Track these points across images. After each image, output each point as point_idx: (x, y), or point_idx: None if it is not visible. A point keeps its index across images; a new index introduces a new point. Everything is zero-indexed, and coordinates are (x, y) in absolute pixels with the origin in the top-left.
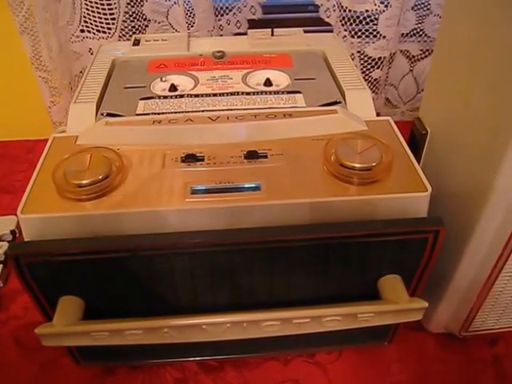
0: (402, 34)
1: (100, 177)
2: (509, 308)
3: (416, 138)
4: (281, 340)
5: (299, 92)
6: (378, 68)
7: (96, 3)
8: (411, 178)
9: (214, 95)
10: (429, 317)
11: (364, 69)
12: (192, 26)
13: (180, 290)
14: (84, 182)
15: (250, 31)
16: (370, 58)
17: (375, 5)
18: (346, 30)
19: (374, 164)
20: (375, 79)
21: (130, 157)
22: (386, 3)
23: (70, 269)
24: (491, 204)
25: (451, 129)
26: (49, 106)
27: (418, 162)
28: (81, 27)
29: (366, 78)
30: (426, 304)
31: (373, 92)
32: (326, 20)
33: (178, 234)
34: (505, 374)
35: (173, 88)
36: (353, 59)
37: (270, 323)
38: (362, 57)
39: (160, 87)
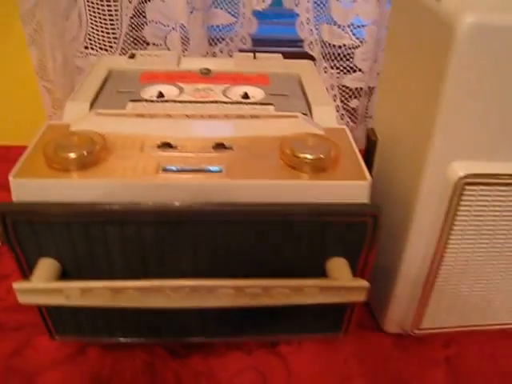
0: None
1: (84, 152)
2: (455, 306)
3: (370, 145)
4: (243, 326)
5: (271, 104)
6: (355, 98)
7: (101, 23)
8: (355, 170)
9: (195, 102)
10: (383, 316)
11: (343, 98)
12: (186, 51)
13: (146, 257)
14: (70, 154)
15: (235, 54)
16: (348, 88)
17: (351, 40)
18: (326, 62)
19: (322, 156)
20: (353, 108)
21: (114, 141)
22: (361, 39)
23: (50, 231)
24: (421, 204)
25: (394, 136)
26: (50, 115)
27: (372, 165)
28: (85, 44)
29: (345, 107)
30: (367, 284)
31: (352, 121)
32: (310, 53)
33: (135, 204)
34: (455, 373)
35: (160, 94)
36: (332, 89)
37: (225, 291)
38: (341, 87)
39: (148, 93)
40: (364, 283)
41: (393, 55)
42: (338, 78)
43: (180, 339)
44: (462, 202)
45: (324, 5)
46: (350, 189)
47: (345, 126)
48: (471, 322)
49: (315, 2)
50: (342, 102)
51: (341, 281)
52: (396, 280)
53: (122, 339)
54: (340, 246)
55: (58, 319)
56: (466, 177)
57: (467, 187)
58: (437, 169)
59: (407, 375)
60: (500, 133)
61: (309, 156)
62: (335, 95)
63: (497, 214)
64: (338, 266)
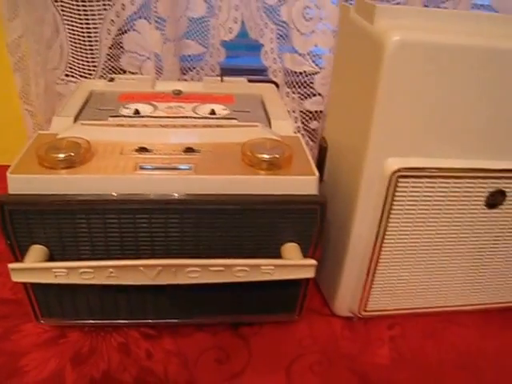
0: None
1: (71, 153)
2: (397, 289)
3: (321, 151)
4: (209, 308)
5: (235, 118)
6: (315, 120)
7: (81, 53)
8: (305, 168)
9: (168, 117)
10: (334, 300)
11: (303, 120)
12: (160, 78)
13: (124, 241)
14: (59, 155)
15: (204, 78)
16: (308, 110)
17: (311, 67)
18: (289, 88)
19: (277, 156)
20: (313, 129)
21: (97, 146)
22: (320, 66)
23: (40, 220)
24: (363, 196)
25: (340, 142)
26: (32, 137)
27: (324, 169)
28: (66, 72)
29: (305, 128)
30: (315, 262)
31: (311, 141)
32: (274, 80)
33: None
34: (398, 351)
35: (136, 111)
36: (294, 112)
37: (192, 269)
38: (302, 110)
39: (126, 111)
40: (312, 261)
41: (339, 72)
42: (299, 102)
43: (152, 321)
44: (397, 193)
45: (286, 35)
46: (300, 182)
47: (299, 135)
48: (413, 305)
49: (278, 33)
50: (302, 123)
51: (292, 260)
52: (343, 266)
53: (100, 321)
54: (293, 231)
55: (43, 303)
56: (398, 170)
57: (400, 180)
58: (374, 164)
59: (355, 352)
60: (426, 133)
61: (266, 156)
62: (297, 117)
63: (428, 204)
64: (291, 249)
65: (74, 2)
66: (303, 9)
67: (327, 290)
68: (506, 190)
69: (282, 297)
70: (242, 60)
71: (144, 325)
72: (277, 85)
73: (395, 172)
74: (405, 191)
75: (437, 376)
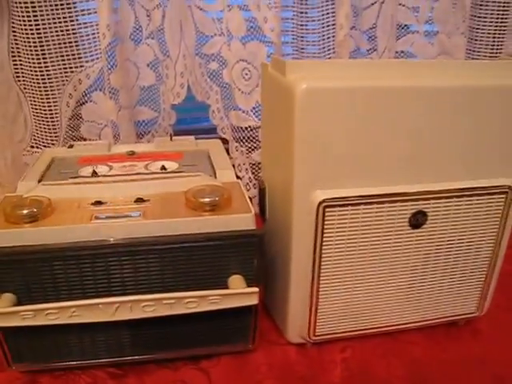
0: None
1: (34, 209)
2: (342, 312)
3: (261, 192)
4: (168, 342)
5: (183, 172)
6: None
7: (43, 125)
8: (243, 207)
9: (122, 175)
10: (285, 328)
11: (253, 170)
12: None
13: (84, 283)
14: (23, 211)
15: (155, 138)
16: (256, 161)
17: (254, 121)
18: (237, 142)
19: (217, 198)
20: None
21: (58, 203)
22: None
23: (7, 270)
24: (296, 227)
25: (274, 182)
26: None
27: (265, 208)
28: (31, 143)
29: (256, 177)
30: (257, 289)
31: None
32: (223, 136)
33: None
34: (350, 372)
35: (94, 172)
36: (244, 164)
37: (147, 303)
38: (251, 161)
39: (85, 172)
40: (254, 289)
41: (265, 122)
42: (247, 154)
43: (116, 359)
44: (326, 222)
45: (230, 95)
46: (239, 219)
47: (239, 180)
48: (360, 326)
49: (222, 93)
50: (252, 173)
51: (237, 289)
52: (289, 294)
53: (68, 363)
54: (237, 264)
55: (14, 349)
56: (324, 201)
57: (327, 209)
58: (302, 198)
59: (309, 374)
60: (344, 166)
61: (207, 199)
62: (247, 169)
63: (356, 229)
64: (236, 281)
65: (35, 80)
66: (242, 70)
67: (279, 319)
68: (426, 210)
69: (234, 326)
70: (194, 120)
71: (110, 364)
72: (226, 141)
73: (321, 203)
74: (333, 219)
75: None
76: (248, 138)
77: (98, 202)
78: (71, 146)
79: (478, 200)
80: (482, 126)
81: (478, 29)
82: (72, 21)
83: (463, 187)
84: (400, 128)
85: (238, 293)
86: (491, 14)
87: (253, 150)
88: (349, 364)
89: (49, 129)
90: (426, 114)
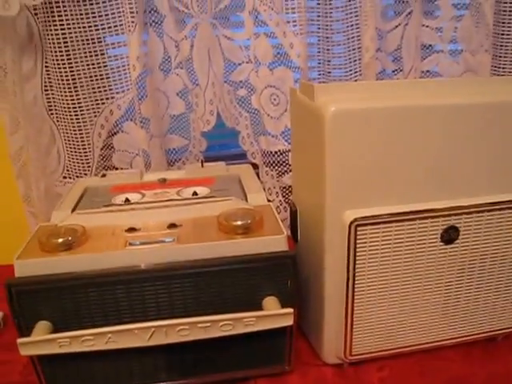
0: None
1: (69, 238)
2: (378, 331)
3: (292, 214)
4: (203, 366)
5: (214, 196)
6: None
7: (76, 156)
8: (274, 229)
9: (154, 202)
10: (321, 349)
11: (284, 194)
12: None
13: (120, 309)
14: (58, 240)
15: (186, 165)
16: (286, 185)
17: (284, 145)
18: (267, 167)
19: (249, 221)
20: None
21: (92, 231)
22: None
23: (45, 298)
24: (329, 247)
25: (306, 203)
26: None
27: (297, 230)
28: (64, 174)
29: (286, 200)
30: (292, 310)
31: None
32: (253, 161)
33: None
34: None
35: (126, 200)
36: (274, 188)
37: (182, 327)
38: (281, 184)
39: (118, 200)
40: (288, 310)
41: (296, 145)
42: (278, 178)
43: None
44: (358, 241)
45: (259, 121)
46: (271, 241)
47: (270, 203)
48: (397, 344)
49: (251, 119)
50: (283, 197)
51: (272, 311)
52: (324, 315)
53: None
54: (271, 286)
55: (50, 377)
56: (355, 220)
57: (359, 228)
58: (334, 218)
59: None
60: (375, 184)
61: (239, 222)
62: (278, 192)
63: (388, 247)
64: (270, 302)
65: (67, 113)
66: (270, 96)
67: (314, 340)
68: (458, 225)
69: (270, 349)
70: (224, 147)
71: None
72: (256, 166)
73: (352, 222)
74: (365, 238)
75: None
76: (278, 162)
77: (132, 229)
78: (104, 176)
79: (509, 213)
80: (508, 140)
81: (501, 46)
82: (102, 54)
83: (493, 201)
84: (427, 145)
85: (273, 314)
86: None
87: (283, 173)
88: (387, 383)
89: (81, 159)
90: (453, 130)
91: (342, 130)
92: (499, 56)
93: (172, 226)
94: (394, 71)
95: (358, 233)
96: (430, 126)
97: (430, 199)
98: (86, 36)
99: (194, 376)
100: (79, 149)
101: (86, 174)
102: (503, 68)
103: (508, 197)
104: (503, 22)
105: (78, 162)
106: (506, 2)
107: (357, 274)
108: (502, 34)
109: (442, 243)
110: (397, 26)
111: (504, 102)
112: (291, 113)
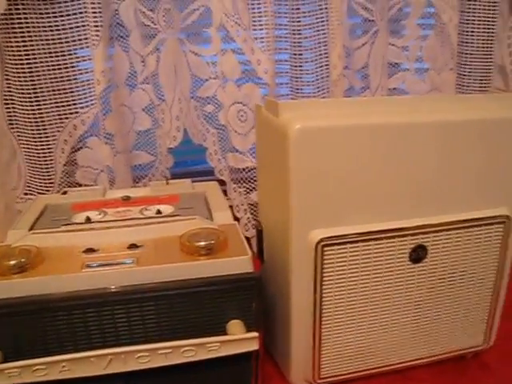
0: None
1: (22, 259)
2: (347, 353)
3: (258, 234)
4: None
5: (179, 215)
6: None
7: (38, 172)
8: (239, 249)
9: (116, 220)
10: (289, 372)
11: (251, 211)
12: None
13: (75, 335)
14: (10, 262)
15: (151, 182)
16: (255, 202)
17: (252, 162)
18: (235, 183)
19: (213, 242)
20: None
21: (48, 251)
22: None
23: None
24: (295, 267)
25: (272, 223)
26: None
27: (263, 250)
28: (25, 191)
29: (255, 218)
30: (257, 334)
31: None
32: (221, 178)
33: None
34: None
35: (87, 219)
36: (242, 205)
37: (141, 354)
38: (250, 201)
39: (78, 219)
40: (254, 334)
41: (261, 163)
42: (245, 195)
43: None
44: (325, 261)
45: (226, 137)
46: (235, 263)
47: (236, 222)
48: (367, 366)
49: (219, 136)
50: (251, 214)
51: (236, 335)
52: (291, 337)
53: None
54: (235, 309)
55: None
56: (321, 240)
57: (325, 248)
58: (300, 238)
59: None
60: (341, 204)
61: (202, 243)
62: (246, 209)
63: (356, 266)
64: (235, 326)
65: (29, 127)
66: (237, 112)
67: (282, 363)
68: (426, 244)
69: (235, 375)
70: (191, 163)
71: None
72: (224, 182)
73: (319, 242)
74: (332, 258)
75: None
76: (246, 178)
77: (90, 250)
78: (65, 193)
79: (477, 231)
80: (483, 158)
81: (465, 65)
82: (66, 68)
83: (462, 219)
84: (398, 163)
85: (238, 339)
86: (477, 50)
87: (251, 190)
88: None
89: (43, 176)
90: (425, 148)
91: (307, 147)
92: (463, 74)
93: (132, 246)
94: (361, 88)
95: (325, 253)
96: (398, 144)
97: (398, 218)
98: (50, 49)
99: None
100: (41, 164)
101: (48, 191)
102: (467, 86)
103: (476, 214)
104: (467, 42)
105: (39, 179)
106: (468, 23)
107: (324, 295)
108: (466, 54)
109: (410, 262)
110: (364, 44)
111: (476, 119)
112: (256, 130)
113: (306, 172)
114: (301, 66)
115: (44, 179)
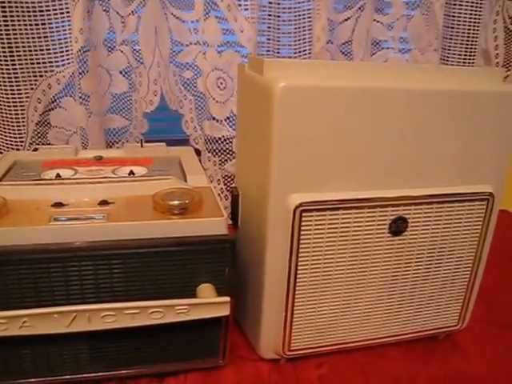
0: None
1: None
2: (319, 325)
3: (234, 199)
4: (130, 358)
5: (152, 176)
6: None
7: (9, 130)
8: (214, 211)
9: (87, 178)
10: (258, 342)
11: (225, 182)
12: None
13: (38, 288)
14: None
15: (125, 144)
16: (230, 172)
17: (229, 131)
18: (209, 153)
19: (187, 201)
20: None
21: (14, 204)
22: None
23: None
24: (271, 232)
25: (249, 188)
26: None
27: (238, 215)
28: None
29: (228, 189)
30: (229, 299)
31: None
32: (196, 147)
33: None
34: None
35: (57, 175)
36: (216, 175)
37: (107, 313)
38: (224, 173)
39: (48, 175)
40: (225, 299)
41: (241, 125)
42: (220, 165)
43: (73, 376)
44: (303, 227)
45: (204, 105)
46: (210, 224)
47: (211, 185)
48: (338, 340)
49: (196, 103)
50: (225, 184)
51: (207, 299)
52: (262, 307)
53: (19, 381)
54: (207, 272)
55: None
56: (300, 205)
57: (304, 214)
58: (278, 201)
59: None
60: (323, 168)
61: (176, 202)
62: (219, 179)
63: (334, 235)
64: (206, 289)
65: (1, 84)
66: (217, 79)
67: (251, 334)
68: (407, 216)
69: (203, 341)
70: (166, 131)
71: (65, 382)
72: (199, 152)
73: (298, 207)
74: (310, 224)
75: None
76: (221, 149)
77: (59, 204)
78: (36, 150)
79: (459, 207)
80: (466, 132)
81: (449, 49)
82: (44, 25)
83: (444, 193)
84: (382, 130)
85: (208, 302)
86: (462, 33)
87: (225, 161)
88: (325, 381)
89: (14, 133)
90: (409, 117)
91: (292, 107)
92: (447, 57)
93: (103, 202)
94: None
95: (303, 219)
96: (385, 110)
97: (380, 187)
98: (28, 6)
99: (119, 368)
100: (12, 122)
101: (18, 149)
102: None
103: (459, 189)
104: (452, 27)
105: (10, 136)
106: (455, 5)
107: (299, 264)
108: (451, 37)
109: (389, 234)
110: (349, 18)
111: (463, 91)
112: (238, 91)
113: (289, 132)
114: (279, 39)
115: (15, 137)
